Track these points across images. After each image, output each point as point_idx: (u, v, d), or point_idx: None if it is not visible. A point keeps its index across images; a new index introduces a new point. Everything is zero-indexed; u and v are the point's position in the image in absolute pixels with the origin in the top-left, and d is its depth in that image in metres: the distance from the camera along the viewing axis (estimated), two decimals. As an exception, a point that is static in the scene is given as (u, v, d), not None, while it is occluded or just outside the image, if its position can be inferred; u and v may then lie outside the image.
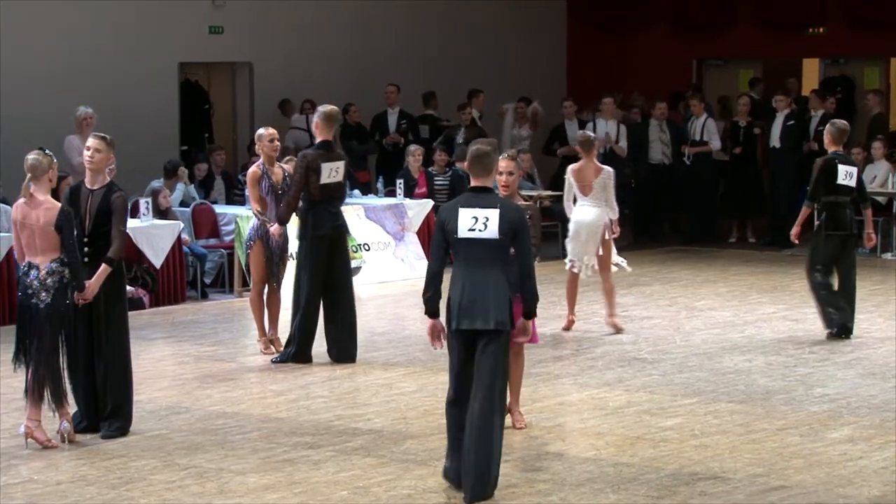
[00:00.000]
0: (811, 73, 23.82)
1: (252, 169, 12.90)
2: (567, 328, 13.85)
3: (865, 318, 14.30)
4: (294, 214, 12.68)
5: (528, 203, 10.04)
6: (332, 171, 12.44)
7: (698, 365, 12.45)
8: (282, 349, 12.84)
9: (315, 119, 12.68)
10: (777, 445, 9.72)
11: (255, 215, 12.80)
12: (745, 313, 15.00)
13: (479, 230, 8.30)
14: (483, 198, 8.38)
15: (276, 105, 20.69)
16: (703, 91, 22.91)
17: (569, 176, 13.75)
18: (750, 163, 20.77)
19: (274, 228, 12.66)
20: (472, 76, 22.15)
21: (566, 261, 13.82)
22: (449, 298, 8.41)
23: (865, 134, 20.99)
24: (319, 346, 12.61)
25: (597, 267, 13.73)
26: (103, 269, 9.78)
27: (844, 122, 14.18)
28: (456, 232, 8.33)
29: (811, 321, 14.40)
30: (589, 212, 13.64)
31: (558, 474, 8.99)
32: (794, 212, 20.51)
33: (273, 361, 12.56)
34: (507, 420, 9.86)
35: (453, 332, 8.43)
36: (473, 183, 8.48)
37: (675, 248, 20.38)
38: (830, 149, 13.75)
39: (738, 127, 20.89)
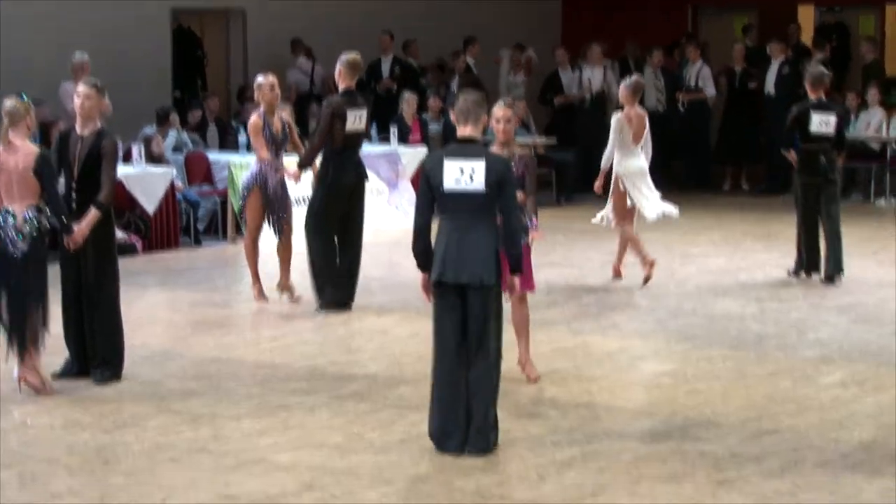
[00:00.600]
0: (806, 20, 23.73)
1: (253, 119, 12.77)
2: (648, 276, 13.42)
3: (858, 265, 14.32)
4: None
5: (524, 152, 9.96)
6: (357, 119, 12.42)
7: (692, 311, 12.48)
8: (296, 295, 12.78)
9: (338, 67, 12.59)
10: (769, 390, 9.75)
11: (263, 163, 12.61)
12: (739, 260, 15.03)
13: (466, 182, 8.17)
14: (469, 149, 8.25)
15: (271, 51, 20.60)
16: (699, 38, 22.83)
17: (623, 123, 13.27)
18: (745, 110, 20.72)
19: (294, 172, 12.58)
20: (468, 23, 22.06)
21: (648, 213, 13.33)
22: (428, 251, 8.30)
23: (860, 81, 20.98)
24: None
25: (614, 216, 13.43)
26: (93, 213, 9.73)
27: (824, 68, 14.20)
28: (441, 184, 8.20)
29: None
30: (640, 159, 13.31)
31: (552, 419, 9.02)
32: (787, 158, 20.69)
33: (317, 310, 12.40)
34: (517, 372, 9.94)
35: (436, 284, 8.30)
36: (460, 133, 8.34)
37: (669, 196, 20.30)
38: (811, 96, 13.75)
39: (734, 74, 20.84)
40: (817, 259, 13.69)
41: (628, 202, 13.34)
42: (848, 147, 19.67)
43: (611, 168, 13.32)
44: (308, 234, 12.53)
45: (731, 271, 14.30)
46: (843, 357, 10.71)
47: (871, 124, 19.82)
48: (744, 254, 15.42)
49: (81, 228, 9.71)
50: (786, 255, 15.23)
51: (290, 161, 12.99)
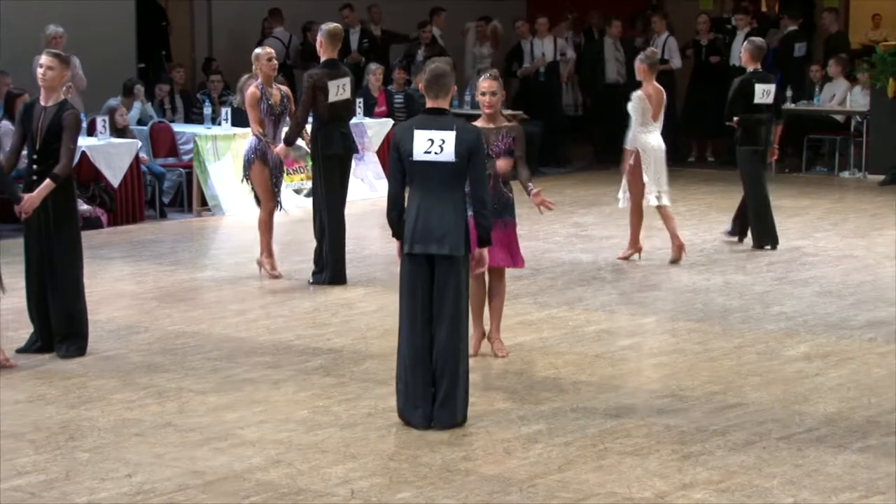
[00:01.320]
0: (773, -10, 23.78)
1: (251, 90, 12.63)
2: (627, 257, 13.41)
3: (823, 237, 14.41)
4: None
5: (512, 123, 9.92)
6: (340, 89, 12.32)
7: (657, 284, 12.52)
8: (276, 268, 12.74)
9: (318, 38, 12.49)
10: (734, 363, 9.80)
11: (258, 137, 12.53)
12: (704, 232, 15.08)
13: (435, 153, 8.13)
14: (439, 120, 8.20)
15: (236, 22, 20.53)
16: (664, 9, 22.84)
17: (643, 101, 13.06)
18: (710, 82, 20.74)
19: (279, 149, 12.47)
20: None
21: (648, 193, 13.09)
22: (404, 222, 8.30)
23: (822, 52, 21.05)
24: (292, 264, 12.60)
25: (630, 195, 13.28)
26: (46, 183, 9.64)
27: (762, 39, 14.29)
28: (411, 154, 8.16)
29: (769, 240, 14.52)
30: (657, 137, 13.12)
31: (517, 393, 9.04)
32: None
33: (310, 283, 12.41)
34: (485, 347, 9.96)
35: (406, 256, 8.28)
36: (429, 104, 8.29)
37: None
38: (749, 66, 13.82)
39: (699, 46, 20.86)
40: (771, 228, 13.86)
41: (632, 177, 13.16)
42: (810, 119, 19.95)
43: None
44: (320, 211, 12.44)
45: (696, 244, 14.34)
46: (807, 330, 10.77)
47: (836, 96, 19.88)
48: (709, 226, 15.47)
49: (32, 197, 9.63)
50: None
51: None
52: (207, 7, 20.80)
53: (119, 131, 16.21)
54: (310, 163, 13.55)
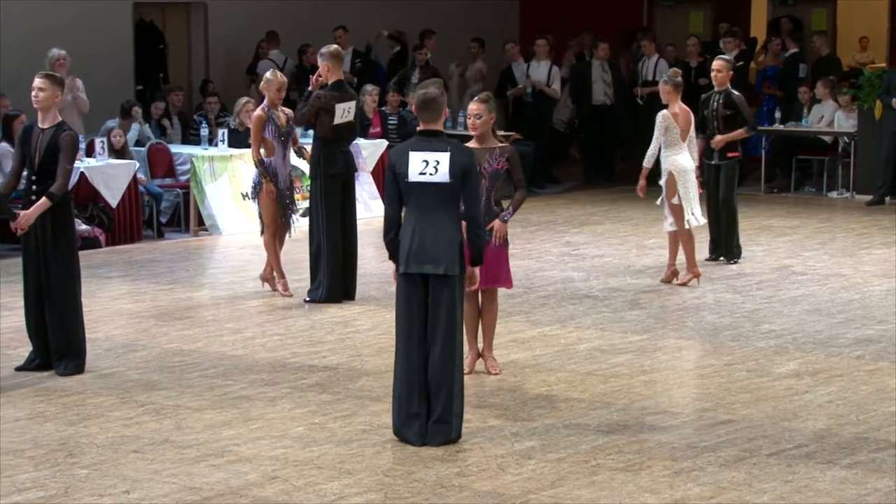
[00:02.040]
0: (760, 14, 23.96)
1: (257, 112, 12.72)
2: (668, 280, 13.35)
3: (811, 256, 14.51)
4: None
5: (504, 144, 10.00)
6: (345, 112, 12.46)
7: (648, 302, 12.59)
8: (276, 288, 12.84)
9: (323, 62, 12.55)
10: (724, 380, 9.87)
11: (255, 165, 12.63)
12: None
13: (430, 174, 8.23)
14: (433, 141, 8.30)
15: (232, 44, 20.65)
16: (654, 32, 22.97)
17: (668, 121, 13.01)
18: (695, 104, 20.79)
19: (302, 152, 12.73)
20: (425, 16, 22.14)
21: (688, 219, 13.02)
22: (399, 242, 8.39)
23: (810, 75, 21.19)
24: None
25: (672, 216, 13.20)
26: (42, 201, 9.73)
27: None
28: (406, 175, 8.26)
29: (758, 259, 14.62)
30: (687, 157, 13.07)
31: (511, 410, 9.11)
32: (743, 151, 20.88)
33: (305, 301, 12.50)
34: (479, 365, 10.05)
35: (402, 275, 8.38)
36: (422, 127, 8.39)
37: (625, 188, 20.46)
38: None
39: (689, 68, 20.98)
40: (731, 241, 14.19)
41: (672, 200, 13.10)
42: (799, 140, 20.09)
43: (656, 167, 13.14)
44: (316, 229, 12.51)
45: (684, 263, 14.37)
46: (796, 348, 10.85)
47: (825, 117, 20.01)
48: (699, 245, 15.45)
49: (27, 214, 9.74)
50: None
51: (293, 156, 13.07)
52: (204, 30, 20.91)
53: (117, 152, 16.30)
54: (307, 183, 13.63)
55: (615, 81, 21.12)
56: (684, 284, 13.20)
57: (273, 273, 12.87)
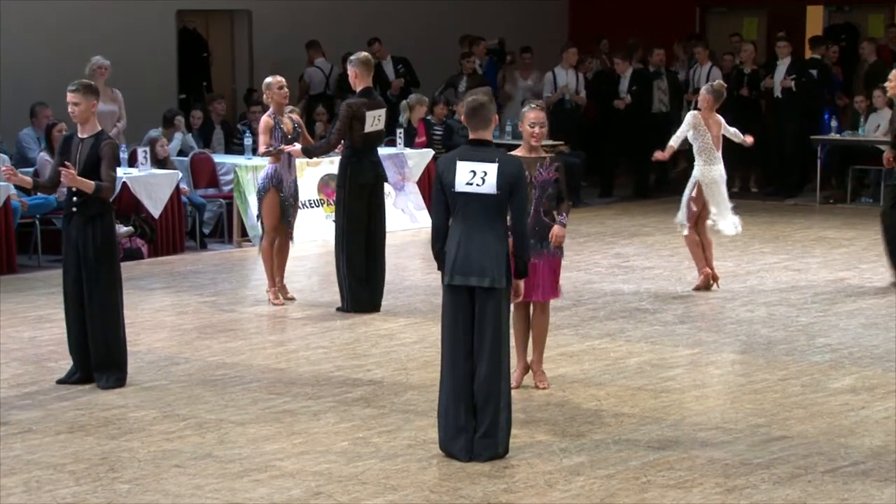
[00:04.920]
0: (815, 20, 23.68)
1: (264, 118, 12.78)
2: (705, 285, 13.38)
3: (868, 268, 14.31)
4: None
5: (550, 154, 9.88)
6: (376, 119, 12.43)
7: (700, 315, 12.44)
8: (289, 296, 12.79)
9: (352, 68, 12.57)
10: (778, 396, 9.71)
11: (267, 148, 12.57)
12: (747, 263, 14.98)
13: (477, 184, 8.12)
14: (481, 151, 8.20)
15: (277, 52, 20.59)
16: (707, 38, 22.77)
17: (697, 120, 13.10)
18: (753, 111, 20.63)
19: (295, 149, 12.54)
20: (471, 22, 22.06)
21: (719, 219, 13.22)
22: (445, 252, 8.27)
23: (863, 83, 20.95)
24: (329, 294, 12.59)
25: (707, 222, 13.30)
26: (88, 182, 9.67)
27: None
28: (453, 185, 8.15)
29: (813, 271, 14.45)
30: (719, 170, 13.14)
31: (559, 425, 8.98)
32: (796, 160, 20.66)
33: (338, 310, 12.48)
34: (527, 379, 9.91)
35: (447, 287, 8.27)
36: (471, 136, 8.30)
37: (677, 198, 20.29)
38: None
39: (742, 74, 20.76)
40: None
41: (694, 207, 13.17)
42: (855, 149, 19.82)
43: (681, 162, 13.27)
44: (338, 237, 12.52)
45: (739, 275, 14.24)
46: (852, 362, 10.66)
47: (881, 126, 19.74)
48: (752, 257, 15.37)
49: (75, 175, 9.65)
50: (794, 258, 15.29)
51: (300, 161, 12.99)
52: (248, 38, 20.88)
53: (160, 162, 16.25)
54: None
55: (671, 89, 20.92)
56: (700, 289, 13.30)
57: (283, 282, 12.93)
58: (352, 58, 12.66)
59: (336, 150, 12.84)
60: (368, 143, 12.44)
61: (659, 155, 13.59)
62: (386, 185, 17.44)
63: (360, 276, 12.44)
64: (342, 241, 12.45)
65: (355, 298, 12.44)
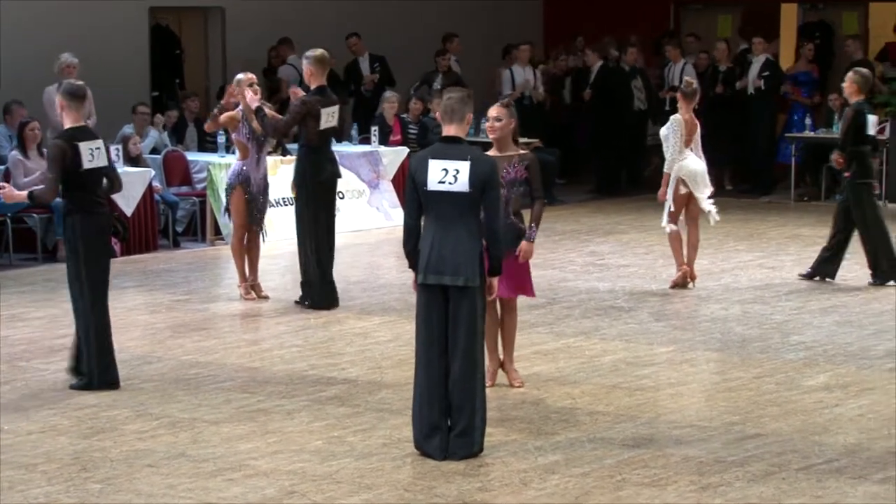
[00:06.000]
0: (789, 18, 23.70)
1: (230, 114, 12.87)
2: (682, 282, 13.37)
3: (844, 266, 14.30)
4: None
5: (525, 152, 9.84)
6: (329, 116, 12.48)
7: (674, 313, 12.44)
8: (263, 294, 12.80)
9: (306, 65, 12.62)
10: (753, 393, 9.71)
11: (244, 162, 12.69)
12: (722, 261, 14.99)
13: (450, 183, 8.09)
14: (454, 149, 8.16)
15: (250, 50, 20.51)
16: (681, 36, 22.78)
17: (680, 126, 13.09)
18: (727, 109, 20.64)
19: (249, 98, 12.60)
20: (447, 19, 22.03)
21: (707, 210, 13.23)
22: (418, 252, 8.24)
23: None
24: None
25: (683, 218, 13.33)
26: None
27: (867, 70, 14.08)
28: (425, 184, 8.12)
29: (787, 269, 14.47)
30: (695, 160, 13.14)
31: (534, 423, 8.96)
32: (770, 158, 20.70)
33: (296, 302, 12.55)
34: (501, 378, 9.89)
35: (421, 286, 8.24)
36: (445, 132, 8.26)
37: (652, 196, 20.30)
38: (853, 98, 13.60)
39: (717, 71, 20.77)
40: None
41: (672, 208, 13.15)
42: (829, 147, 19.84)
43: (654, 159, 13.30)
44: (302, 234, 12.53)
45: (714, 273, 14.25)
46: (826, 360, 10.67)
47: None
48: (726, 255, 15.39)
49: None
50: (769, 255, 15.30)
51: (272, 158, 13.01)
52: (221, 35, 20.79)
53: (132, 160, 16.17)
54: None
55: (646, 86, 20.94)
56: (677, 285, 13.32)
57: (257, 279, 12.95)
58: (307, 55, 12.69)
59: (286, 142, 12.95)
60: (324, 139, 12.53)
61: (662, 197, 13.27)
62: (359, 182, 17.56)
63: (327, 271, 12.46)
64: (309, 239, 12.45)
65: (322, 295, 12.46)
